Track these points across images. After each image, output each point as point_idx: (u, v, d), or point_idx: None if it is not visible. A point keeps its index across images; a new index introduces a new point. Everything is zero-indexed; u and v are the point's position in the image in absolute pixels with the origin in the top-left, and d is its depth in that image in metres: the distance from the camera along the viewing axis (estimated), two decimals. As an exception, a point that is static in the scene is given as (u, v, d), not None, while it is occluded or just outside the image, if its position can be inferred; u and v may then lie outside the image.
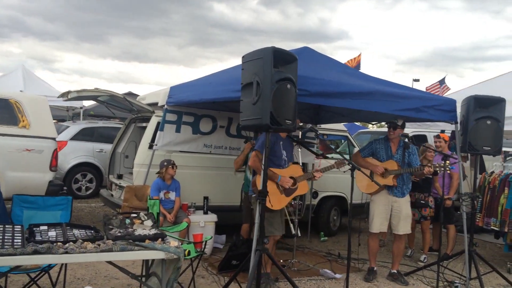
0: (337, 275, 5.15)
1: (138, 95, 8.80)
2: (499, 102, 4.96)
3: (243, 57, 3.75)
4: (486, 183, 6.29)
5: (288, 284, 4.35)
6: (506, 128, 5.18)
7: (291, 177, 4.50)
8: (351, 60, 16.08)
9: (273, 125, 3.53)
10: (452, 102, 5.12)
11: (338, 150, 10.79)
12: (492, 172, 6.39)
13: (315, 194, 7.16)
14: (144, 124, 6.57)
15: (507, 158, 9.91)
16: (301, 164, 6.06)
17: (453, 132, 6.07)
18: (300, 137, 6.84)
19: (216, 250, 5.96)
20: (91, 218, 7.61)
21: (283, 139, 4.50)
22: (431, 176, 5.67)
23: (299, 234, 5.85)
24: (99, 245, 2.71)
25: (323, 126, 7.42)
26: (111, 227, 2.98)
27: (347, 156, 7.21)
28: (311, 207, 7.08)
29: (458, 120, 5.15)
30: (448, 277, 5.28)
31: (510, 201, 5.89)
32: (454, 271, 5.47)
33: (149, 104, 6.36)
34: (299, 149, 5.80)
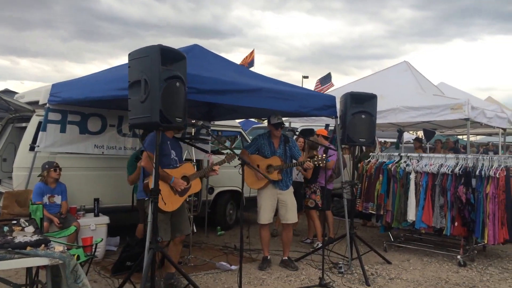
0: (233, 267, 5.31)
1: (17, 93, 8.10)
2: (371, 98, 5.52)
3: (129, 54, 3.70)
4: (364, 171, 6.93)
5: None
6: (378, 121, 5.79)
7: (184, 176, 4.45)
8: (246, 57, 16.46)
9: (163, 123, 3.54)
10: (332, 98, 5.57)
11: (233, 146, 11.07)
12: (369, 161, 7.04)
13: (211, 190, 7.27)
14: (23, 124, 6.08)
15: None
16: (194, 161, 6.14)
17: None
18: (194, 134, 6.91)
19: (110, 252, 5.78)
20: (-37, 230, 6.84)
21: (170, 139, 4.41)
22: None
23: (195, 230, 5.92)
24: (-29, 256, 2.49)
25: (217, 122, 7.56)
26: (-15, 236, 2.75)
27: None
28: (207, 202, 7.18)
29: (338, 115, 5.61)
30: (333, 259, 5.74)
31: (384, 187, 6.56)
32: (338, 253, 5.95)
33: (29, 103, 5.91)
34: (192, 147, 5.85)
